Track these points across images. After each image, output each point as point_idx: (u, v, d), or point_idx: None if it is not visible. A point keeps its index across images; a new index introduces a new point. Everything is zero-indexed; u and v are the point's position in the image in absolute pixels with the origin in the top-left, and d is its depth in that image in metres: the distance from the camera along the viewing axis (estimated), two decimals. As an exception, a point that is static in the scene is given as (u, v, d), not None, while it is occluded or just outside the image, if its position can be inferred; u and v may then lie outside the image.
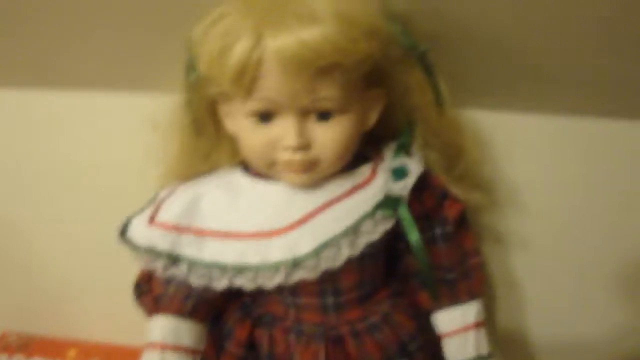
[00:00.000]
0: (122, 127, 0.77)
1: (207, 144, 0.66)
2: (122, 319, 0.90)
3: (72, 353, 0.99)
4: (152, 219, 0.63)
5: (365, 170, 0.63)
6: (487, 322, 0.80)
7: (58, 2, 0.70)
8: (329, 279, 0.62)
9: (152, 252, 0.61)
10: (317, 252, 0.58)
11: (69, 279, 0.99)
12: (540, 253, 0.81)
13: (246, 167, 0.65)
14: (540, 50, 0.66)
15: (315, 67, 0.52)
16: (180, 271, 0.61)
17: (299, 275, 0.59)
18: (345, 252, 0.59)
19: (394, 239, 0.64)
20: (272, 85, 0.54)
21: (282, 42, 0.51)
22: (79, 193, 0.89)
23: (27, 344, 1.02)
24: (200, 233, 0.62)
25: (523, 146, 0.76)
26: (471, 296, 0.67)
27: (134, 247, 0.62)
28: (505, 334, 0.87)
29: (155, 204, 0.64)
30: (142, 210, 0.65)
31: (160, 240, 0.61)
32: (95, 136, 0.85)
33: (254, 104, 0.56)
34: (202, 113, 0.63)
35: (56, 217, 0.93)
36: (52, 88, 0.82)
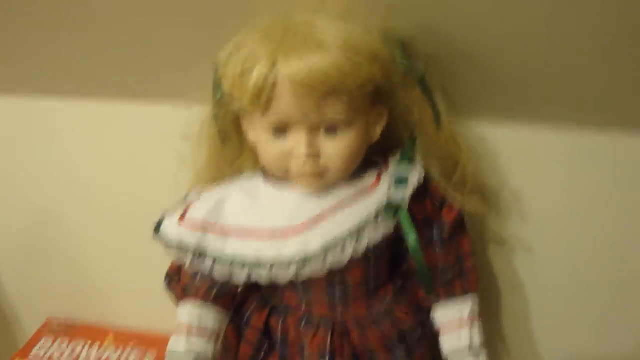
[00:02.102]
0: (159, 135, 0.81)
1: (232, 152, 0.72)
2: (155, 308, 0.95)
3: (110, 338, 1.06)
4: (182, 218, 0.69)
5: (370, 177, 0.68)
6: (492, 324, 0.84)
7: (111, 24, 0.77)
8: (336, 275, 0.68)
9: (181, 247, 0.68)
10: (325, 250, 0.64)
11: (108, 271, 1.06)
12: (542, 257, 0.84)
13: (266, 173, 0.70)
14: (535, 63, 0.69)
15: (322, 89, 0.58)
16: (205, 264, 0.68)
17: (309, 270, 0.64)
18: (349, 251, 0.64)
19: (397, 240, 0.69)
20: (285, 104, 0.59)
21: (294, 67, 0.56)
22: (117, 194, 0.96)
23: (69, 329, 1.09)
24: (224, 231, 0.68)
25: (525, 155, 0.78)
26: (465, 293, 0.71)
27: (166, 243, 0.69)
28: (508, 335, 0.90)
29: (185, 205, 0.70)
30: (173, 210, 0.71)
31: (189, 237, 0.68)
32: (133, 142, 0.91)
33: (270, 120, 0.62)
34: (227, 125, 0.69)
35: (97, 215, 1.00)
36: (97, 98, 0.88)
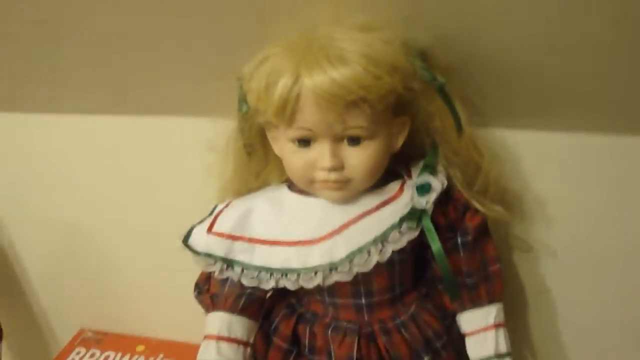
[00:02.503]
0: (187, 148, 0.85)
1: (258, 164, 0.73)
2: (184, 319, 0.96)
3: (140, 348, 1.09)
4: (210, 228, 0.71)
5: (394, 186, 0.69)
6: (518, 332, 0.84)
7: (140, 42, 0.79)
8: (362, 282, 0.69)
9: (210, 257, 0.70)
10: (350, 257, 0.65)
11: (138, 283, 1.08)
12: (567, 262, 0.83)
13: (291, 184, 0.72)
14: (557, 71, 0.69)
15: (344, 101, 0.59)
16: (234, 273, 0.69)
17: (335, 278, 0.66)
18: (374, 258, 0.65)
19: (421, 247, 0.71)
20: (309, 116, 0.61)
21: (316, 80, 0.58)
22: (147, 207, 0.98)
23: (101, 339, 1.11)
24: (251, 241, 0.69)
25: (548, 160, 0.78)
26: (491, 299, 0.71)
27: (195, 253, 0.70)
28: (535, 343, 0.90)
29: (213, 216, 0.72)
30: (202, 220, 0.73)
31: (217, 247, 0.69)
32: (161, 156, 0.93)
33: (294, 132, 0.63)
34: (253, 138, 0.71)
35: (127, 227, 1.02)
36: (128, 113, 0.91)
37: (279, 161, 0.71)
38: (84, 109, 0.93)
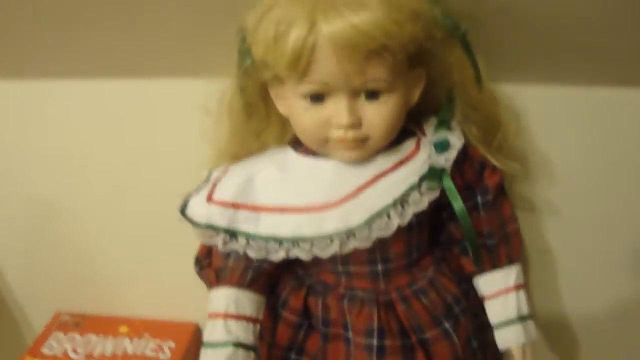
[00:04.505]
0: (177, 111, 0.79)
1: (258, 125, 0.68)
2: (169, 297, 0.95)
3: (123, 329, 1.03)
4: (209, 197, 0.66)
5: (409, 144, 0.65)
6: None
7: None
8: (378, 247, 0.65)
9: (211, 228, 0.65)
10: (369, 222, 0.61)
11: (116, 260, 1.02)
12: (570, 221, 0.82)
13: (295, 145, 0.67)
14: (576, 23, 0.66)
15: (365, 49, 0.55)
16: (238, 245, 0.65)
17: (353, 244, 0.62)
18: (395, 222, 0.62)
19: (438, 208, 0.68)
20: (326, 68, 0.56)
21: (335, 27, 0.53)
22: (129, 178, 0.92)
23: (79, 322, 1.05)
24: (256, 209, 0.65)
25: (556, 118, 0.77)
26: (511, 260, 0.70)
27: (194, 224, 0.65)
28: (536, 299, 0.88)
29: (211, 183, 0.67)
30: (198, 189, 0.68)
31: (219, 217, 0.65)
32: (150, 120, 0.87)
33: (308, 86, 0.58)
34: (254, 96, 0.66)
35: (106, 201, 0.96)
36: (116, 77, 0.84)
37: (280, 121, 0.67)
38: (62, 73, 0.86)
